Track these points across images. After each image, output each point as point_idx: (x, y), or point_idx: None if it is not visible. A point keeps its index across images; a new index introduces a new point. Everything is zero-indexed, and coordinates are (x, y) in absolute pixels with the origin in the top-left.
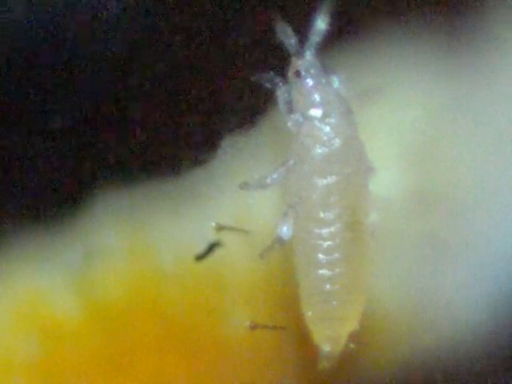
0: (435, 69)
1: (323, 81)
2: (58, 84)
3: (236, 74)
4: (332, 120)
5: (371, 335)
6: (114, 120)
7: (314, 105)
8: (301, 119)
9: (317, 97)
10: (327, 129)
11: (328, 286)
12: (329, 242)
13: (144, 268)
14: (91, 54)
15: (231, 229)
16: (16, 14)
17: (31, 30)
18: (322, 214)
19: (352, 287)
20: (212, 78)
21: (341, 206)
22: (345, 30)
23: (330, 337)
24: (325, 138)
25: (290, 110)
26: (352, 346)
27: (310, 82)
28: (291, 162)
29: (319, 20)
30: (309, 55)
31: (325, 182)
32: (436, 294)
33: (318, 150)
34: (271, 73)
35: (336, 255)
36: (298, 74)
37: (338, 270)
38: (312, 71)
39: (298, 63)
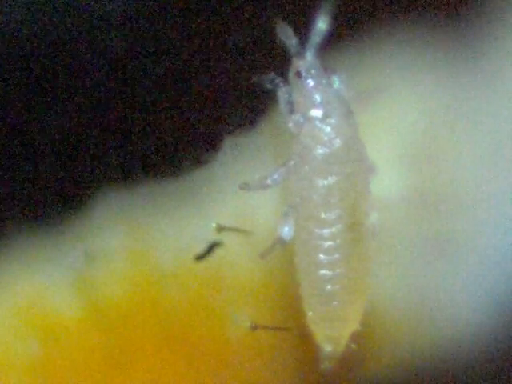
0: (435, 70)
1: (324, 81)
2: (59, 84)
3: (237, 74)
4: (333, 120)
5: (372, 335)
6: (115, 121)
7: (314, 105)
8: (301, 120)
9: (317, 97)
10: (328, 129)
11: (329, 287)
12: (330, 243)
13: (144, 268)
14: (92, 54)
15: (232, 229)
16: (16, 14)
17: (32, 31)
18: (322, 215)
19: (353, 287)
20: (213, 78)
21: (341, 207)
22: (345, 30)
23: (331, 337)
24: (325, 138)
25: (291, 111)
26: (353, 346)
27: (310, 82)
28: (292, 162)
29: (320, 21)
30: (309, 56)
31: (325, 182)
32: (436, 294)
33: (319, 151)
34: (272, 73)
35: (337, 255)
36: (298, 74)
37: (338, 270)
38: (313, 72)
39: (298, 64)
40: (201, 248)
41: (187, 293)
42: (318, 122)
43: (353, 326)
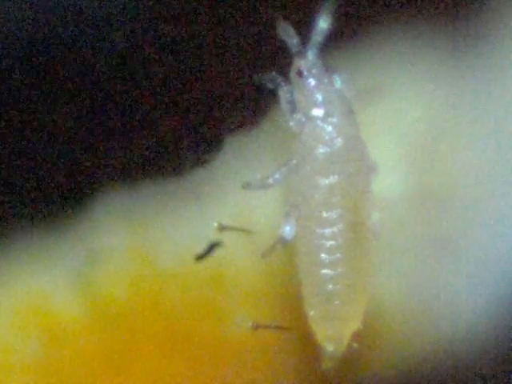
0: (437, 69)
1: (325, 81)
2: (59, 84)
3: (238, 74)
4: (334, 120)
5: (374, 335)
6: (116, 120)
7: (316, 104)
8: (303, 119)
9: (319, 96)
10: (329, 128)
11: (330, 286)
12: (331, 242)
13: (145, 268)
14: (92, 54)
15: (233, 229)
16: (16, 14)
17: (32, 30)
18: (324, 214)
19: (354, 287)
20: (214, 78)
21: (343, 206)
22: (347, 29)
23: (333, 336)
24: (327, 137)
25: (292, 110)
26: (355, 345)
27: (312, 81)
28: (293, 161)
29: (321, 20)
30: (311, 55)
31: (327, 181)
32: (437, 294)
33: (321, 150)
34: (273, 73)
35: (338, 255)
36: (300, 73)
37: (340, 269)
38: (314, 71)
39: (300, 63)
40: (202, 248)
41: (188, 292)
42: (319, 122)
43: (354, 325)
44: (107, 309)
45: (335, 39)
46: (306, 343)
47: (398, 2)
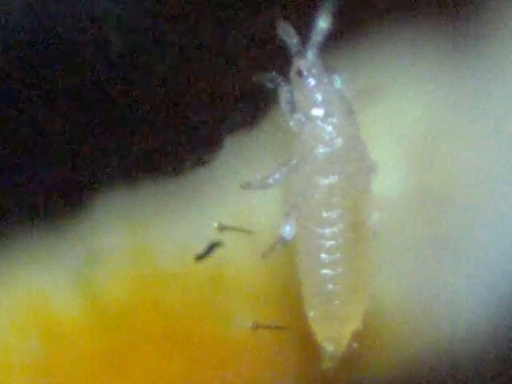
0: (437, 69)
1: (325, 80)
2: (59, 84)
3: (238, 73)
4: (334, 120)
5: (374, 335)
6: (116, 120)
7: (316, 104)
8: (303, 119)
9: (319, 96)
10: (329, 128)
11: (330, 286)
12: (331, 242)
13: (145, 268)
14: (92, 54)
15: (233, 229)
16: (16, 13)
17: (32, 30)
18: (324, 214)
19: (354, 287)
20: (214, 77)
21: (343, 206)
22: (346, 29)
23: (333, 336)
24: (327, 137)
25: (292, 110)
26: (355, 345)
27: (311, 81)
28: (293, 161)
29: (321, 19)
30: (311, 55)
31: (327, 181)
32: (438, 294)
33: (320, 150)
34: (273, 72)
35: (338, 255)
36: (299, 73)
37: (340, 269)
38: (314, 71)
39: (299, 63)
40: (202, 248)
41: (188, 292)
42: (319, 122)
43: (354, 325)
44: (107, 309)
45: (335, 39)
46: (306, 343)
47: (398, 2)
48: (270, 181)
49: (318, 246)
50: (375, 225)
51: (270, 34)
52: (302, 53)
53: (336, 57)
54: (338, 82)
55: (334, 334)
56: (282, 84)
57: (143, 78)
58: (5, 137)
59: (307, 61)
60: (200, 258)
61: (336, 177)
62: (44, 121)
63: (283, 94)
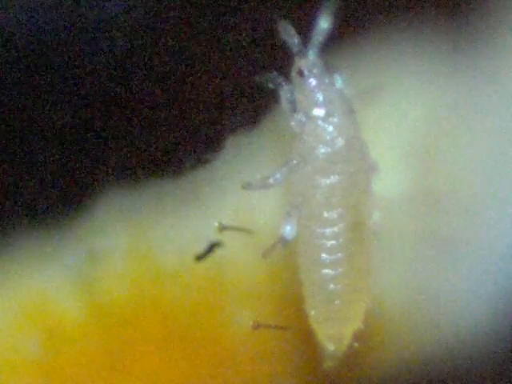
0: (437, 69)
1: (326, 80)
2: (59, 84)
3: (239, 73)
4: (335, 119)
5: (374, 335)
6: (117, 121)
7: (316, 104)
8: (304, 119)
9: (320, 96)
10: (330, 128)
11: (331, 286)
12: (332, 242)
13: (146, 268)
14: (93, 53)
15: (234, 229)
16: (16, 13)
17: (32, 30)
18: (325, 214)
19: (355, 286)
20: (215, 77)
21: (344, 206)
22: (347, 29)
23: (334, 336)
24: (328, 137)
25: (293, 110)
26: (356, 345)
27: (312, 81)
28: (294, 161)
29: (322, 19)
30: (312, 55)
31: (328, 181)
32: (438, 294)
33: (321, 150)
34: (274, 72)
35: (339, 255)
36: (300, 73)
37: (341, 269)
38: (315, 71)
39: (300, 63)
40: (202, 248)
41: (189, 292)
42: (320, 121)
43: (355, 325)
44: (107, 309)
45: (336, 39)
46: (307, 343)
47: (399, 2)
48: (271, 181)
49: (319, 245)
50: (376, 224)
51: (271, 34)
52: (302, 53)
53: (337, 57)
54: (338, 82)
55: (334, 333)
56: (283, 84)
57: (144, 78)
58: (5, 137)
59: (308, 61)
60: (200, 257)
61: (337, 177)
62: (44, 120)
63: (284, 93)
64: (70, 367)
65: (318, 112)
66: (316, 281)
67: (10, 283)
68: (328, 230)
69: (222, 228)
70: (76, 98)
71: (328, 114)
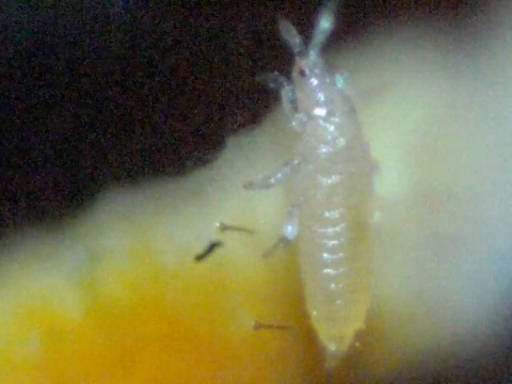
0: (438, 69)
1: (327, 80)
2: (60, 83)
3: (240, 73)
4: (336, 119)
5: (376, 334)
6: (117, 120)
7: (318, 104)
8: (305, 119)
9: (321, 96)
10: (331, 128)
11: (333, 286)
12: (333, 242)
13: (147, 268)
14: (93, 53)
15: (235, 229)
16: (16, 13)
17: (33, 30)
18: (326, 214)
19: (357, 286)
20: (216, 77)
21: (345, 206)
22: (348, 29)
23: (336, 336)
24: (329, 137)
25: (295, 110)
26: (357, 345)
27: (314, 81)
28: (295, 161)
29: (323, 19)
30: (313, 54)
31: (329, 181)
32: (439, 294)
33: (323, 150)
34: (275, 72)
35: (341, 254)
36: (302, 73)
37: (342, 269)
38: (316, 70)
39: (302, 63)
40: (203, 248)
41: (190, 292)
42: (321, 121)
43: (357, 324)
44: (108, 309)
45: (337, 39)
46: (308, 343)
47: (399, 2)
48: (272, 180)
49: (320, 245)
50: (377, 224)
51: (272, 34)
52: (304, 52)
53: (338, 56)
54: (340, 82)
55: (336, 333)
56: (284, 84)
57: (145, 78)
58: (5, 136)
59: (309, 60)
60: (200, 257)
61: (338, 176)
62: (44, 120)
63: (285, 93)
64: (70, 367)
65: (320, 112)
66: (317, 281)
67: (10, 283)
68: (329, 230)
69: (223, 228)
70: (76, 97)
71: (329, 114)
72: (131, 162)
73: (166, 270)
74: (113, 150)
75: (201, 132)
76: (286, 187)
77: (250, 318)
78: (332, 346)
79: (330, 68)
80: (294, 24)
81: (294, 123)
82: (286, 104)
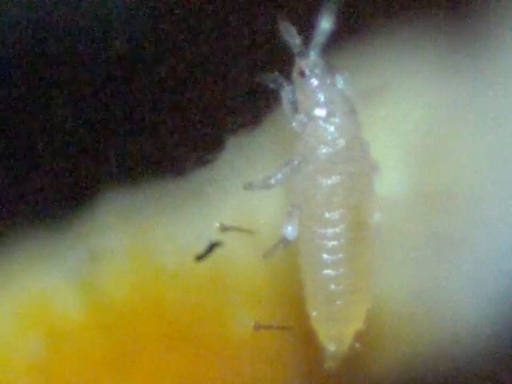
0: (438, 69)
1: (327, 81)
2: (60, 84)
3: (240, 74)
4: (336, 120)
5: (375, 335)
6: (118, 120)
7: (318, 105)
8: (305, 119)
9: (321, 97)
10: (331, 129)
11: (332, 286)
12: (333, 242)
13: (147, 268)
14: (94, 53)
15: (235, 229)
16: (17, 14)
17: (32, 30)
18: (326, 214)
19: (356, 287)
20: (216, 78)
21: (345, 206)
22: (348, 30)
23: (335, 337)
24: (329, 137)
25: (295, 110)
26: (357, 345)
27: (314, 81)
28: (295, 162)
29: (323, 20)
30: (313, 55)
31: (329, 181)
32: (439, 294)
33: (323, 150)
34: (275, 73)
35: (340, 255)
36: (302, 73)
37: (342, 269)
38: (316, 71)
39: (302, 63)
40: (203, 248)
41: (190, 293)
42: (321, 122)
43: (357, 325)
44: (108, 309)
45: (337, 39)
46: (308, 343)
47: (399, 2)
48: (272, 181)
49: (320, 246)
50: (377, 225)
51: (273, 35)
52: (304, 53)
53: (338, 57)
54: (340, 83)
55: (336, 334)
56: (284, 84)
57: (145, 79)
58: (6, 137)
59: (309, 61)
60: (200, 257)
61: (338, 177)
62: (45, 121)
63: (285, 94)
64: (70, 367)
65: (320, 112)
66: (317, 281)
67: (11, 283)
68: (329, 231)
69: (223, 228)
70: (76, 98)
71: (329, 115)
72: (131, 162)
73: (166, 270)
74: (113, 150)
75: (201, 132)
76: (285, 188)
77: (249, 318)
78: (332, 347)
79: (330, 68)
80: (294, 24)
81: (294, 124)
82: (286, 104)
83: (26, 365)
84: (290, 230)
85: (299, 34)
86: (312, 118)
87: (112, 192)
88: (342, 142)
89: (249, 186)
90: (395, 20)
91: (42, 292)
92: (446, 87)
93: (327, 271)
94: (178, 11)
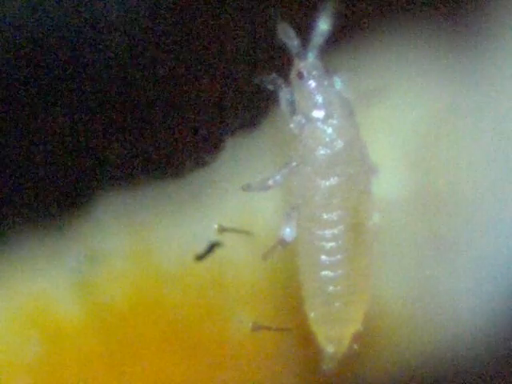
0: (436, 70)
1: (325, 82)
2: (60, 84)
3: (238, 75)
4: (334, 121)
5: (374, 336)
6: (117, 121)
7: (316, 106)
8: (303, 121)
9: (319, 98)
10: (330, 130)
11: (331, 287)
12: (332, 244)
13: (146, 269)
14: (93, 54)
15: (234, 230)
16: (17, 14)
17: (33, 30)
18: (324, 216)
19: (355, 288)
20: (214, 79)
21: (343, 208)
22: (347, 31)
23: (334, 338)
24: (327, 139)
25: (293, 112)
26: (355, 346)
27: (312, 83)
28: (294, 163)
29: (322, 21)
30: (311, 56)
31: (327, 183)
32: (438, 295)
33: (321, 152)
34: (273, 74)
35: (339, 256)
36: (300, 75)
37: (340, 271)
38: (314, 73)
39: (300, 65)
40: (203, 248)
41: (189, 294)
42: (319, 123)
43: (355, 326)
44: (108, 310)
45: (335, 40)
46: (307, 344)
47: (399, 3)
48: (271, 182)
49: (319, 247)
50: (376, 226)
51: (271, 36)
52: (302, 54)
53: (336, 58)
54: (338, 84)
55: (334, 335)
56: (283, 86)
57: (144, 80)
58: (5, 137)
59: (308, 63)
60: (200, 258)
61: (336, 178)
62: (44, 121)
63: (283, 95)
64: (71, 368)
65: (318, 114)
66: (315, 282)
67: (11, 284)
68: (327, 232)
69: (222, 230)
70: (76, 98)
71: (327, 116)
72: (131, 163)
73: (165, 270)
74: (112, 151)
75: (200, 134)
76: (284, 189)
77: (248, 318)
78: (330, 348)
79: (328, 70)
80: (292, 26)
81: (292, 125)
82: (284, 106)
83: (25, 365)
84: (288, 232)
85: (297, 36)
86: (310, 120)
87: (111, 193)
88: (340, 144)
89: (247, 188)
90: (394, 20)
91: (42, 293)
92: (446, 88)
93: (325, 272)
94: (177, 12)
